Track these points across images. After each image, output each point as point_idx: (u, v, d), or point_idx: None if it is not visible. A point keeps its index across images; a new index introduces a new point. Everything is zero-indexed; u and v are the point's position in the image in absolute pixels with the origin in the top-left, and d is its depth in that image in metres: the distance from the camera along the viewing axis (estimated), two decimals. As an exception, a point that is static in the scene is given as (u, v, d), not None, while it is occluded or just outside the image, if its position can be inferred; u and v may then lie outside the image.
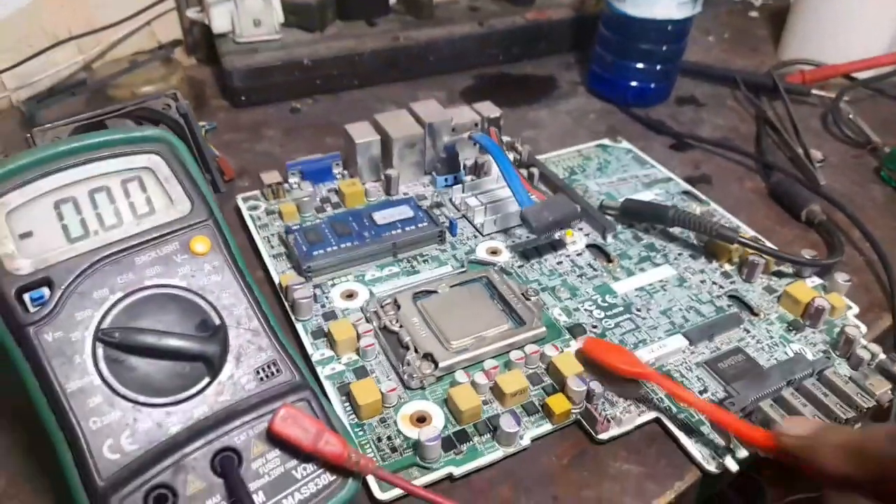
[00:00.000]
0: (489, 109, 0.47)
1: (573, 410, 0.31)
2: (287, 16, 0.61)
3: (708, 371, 0.34)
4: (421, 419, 0.30)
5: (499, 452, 0.29)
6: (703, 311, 0.37)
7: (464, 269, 0.39)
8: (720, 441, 0.30)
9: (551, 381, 0.33)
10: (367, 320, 0.35)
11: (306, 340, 0.34)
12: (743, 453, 0.30)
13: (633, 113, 0.58)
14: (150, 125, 0.41)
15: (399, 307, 0.35)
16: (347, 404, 0.31)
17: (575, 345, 0.35)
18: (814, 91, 0.60)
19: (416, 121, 0.45)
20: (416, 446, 0.29)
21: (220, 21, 0.58)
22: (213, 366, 0.25)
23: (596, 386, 0.31)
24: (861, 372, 0.34)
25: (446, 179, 0.46)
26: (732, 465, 0.29)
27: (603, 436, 0.30)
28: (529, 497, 0.29)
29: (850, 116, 0.57)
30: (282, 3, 0.60)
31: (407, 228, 0.40)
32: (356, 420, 0.30)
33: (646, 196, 0.47)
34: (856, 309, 0.38)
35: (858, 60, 0.61)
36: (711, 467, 0.29)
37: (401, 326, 0.34)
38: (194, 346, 0.24)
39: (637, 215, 0.43)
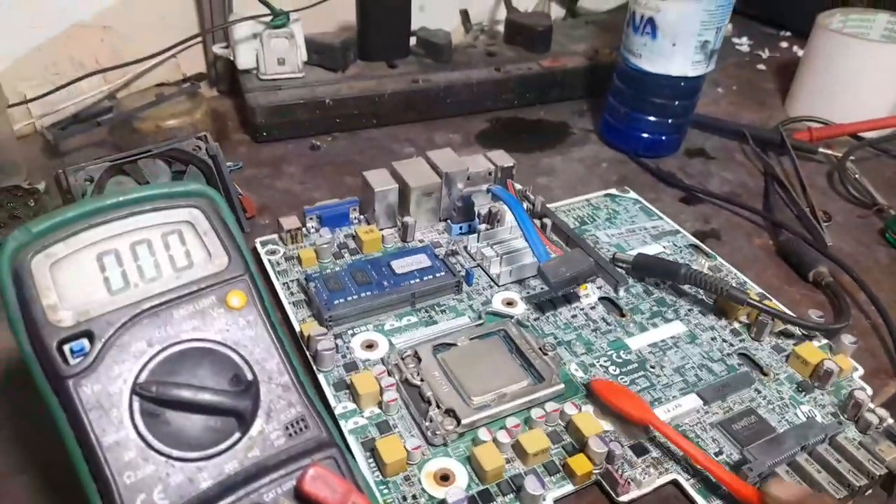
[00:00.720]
0: (503, 159, 0.48)
1: (594, 471, 0.32)
2: (310, 55, 0.62)
3: (722, 432, 0.35)
4: (444, 477, 0.31)
5: None
6: (714, 370, 0.38)
7: (481, 321, 0.40)
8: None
9: (570, 439, 0.33)
10: (389, 373, 0.35)
11: (328, 392, 0.34)
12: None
13: (644, 164, 0.60)
14: (180, 165, 0.42)
15: (420, 360, 0.35)
16: (371, 460, 0.31)
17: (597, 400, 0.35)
18: (821, 149, 0.62)
19: (433, 169, 0.46)
20: None
21: (245, 58, 0.60)
22: (244, 421, 0.25)
23: (616, 447, 0.32)
24: (870, 436, 0.35)
25: (461, 227, 0.47)
26: None
27: (624, 498, 0.31)
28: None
29: (857, 176, 0.58)
30: (306, 42, 0.61)
31: (425, 278, 0.41)
32: (381, 477, 0.31)
33: (654, 249, 0.48)
34: (861, 370, 0.39)
35: (866, 121, 0.63)
36: None
37: (422, 380, 0.34)
38: (228, 401, 0.25)
39: (648, 270, 0.44)
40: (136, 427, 0.24)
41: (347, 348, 0.37)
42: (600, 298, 0.43)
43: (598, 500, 0.32)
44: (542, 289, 0.43)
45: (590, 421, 0.33)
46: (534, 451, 0.31)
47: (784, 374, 0.38)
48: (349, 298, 0.38)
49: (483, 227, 0.47)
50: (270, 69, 0.60)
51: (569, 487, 0.31)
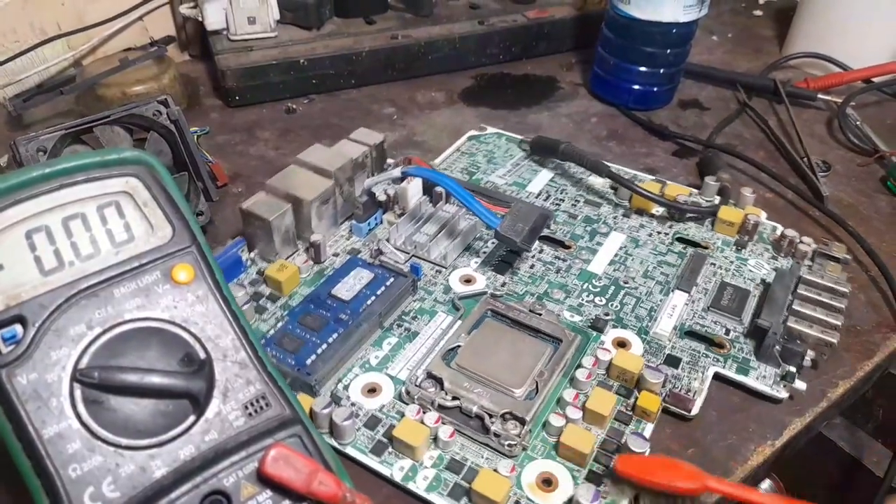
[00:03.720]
0: (369, 137, 0.43)
1: (663, 401, 0.31)
2: (283, 13, 0.59)
3: (717, 313, 0.36)
4: (546, 482, 0.28)
5: None
6: (670, 261, 0.40)
7: (459, 311, 0.36)
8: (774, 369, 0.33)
9: (618, 382, 0.33)
10: (423, 409, 0.31)
11: (371, 462, 0.30)
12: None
13: (636, 116, 0.57)
14: (141, 131, 0.40)
15: (439, 379, 0.31)
16: None
17: (609, 337, 0.35)
18: (820, 95, 0.59)
19: (317, 173, 0.40)
20: None
21: (213, 17, 0.57)
22: (198, 402, 0.24)
23: (665, 369, 0.33)
24: (817, 264, 0.39)
25: (369, 224, 0.42)
26: (801, 386, 0.32)
27: (694, 410, 0.32)
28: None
29: (858, 123, 0.56)
30: (277, -1, 0.58)
31: (378, 292, 0.36)
32: None
33: (545, 176, 0.48)
34: (765, 214, 0.44)
35: (865, 68, 0.60)
36: (781, 394, 0.32)
37: (454, 398, 0.31)
38: (179, 383, 0.23)
39: (542, 149, 0.49)
40: (79, 416, 0.22)
41: (352, 405, 0.32)
42: (539, 238, 0.41)
43: (672, 423, 0.32)
44: (484, 252, 0.41)
45: (628, 357, 0.32)
46: (608, 412, 0.30)
47: (719, 240, 0.42)
48: (319, 352, 0.32)
49: (391, 215, 0.42)
50: (241, 29, 0.57)
51: (649, 427, 0.31)
